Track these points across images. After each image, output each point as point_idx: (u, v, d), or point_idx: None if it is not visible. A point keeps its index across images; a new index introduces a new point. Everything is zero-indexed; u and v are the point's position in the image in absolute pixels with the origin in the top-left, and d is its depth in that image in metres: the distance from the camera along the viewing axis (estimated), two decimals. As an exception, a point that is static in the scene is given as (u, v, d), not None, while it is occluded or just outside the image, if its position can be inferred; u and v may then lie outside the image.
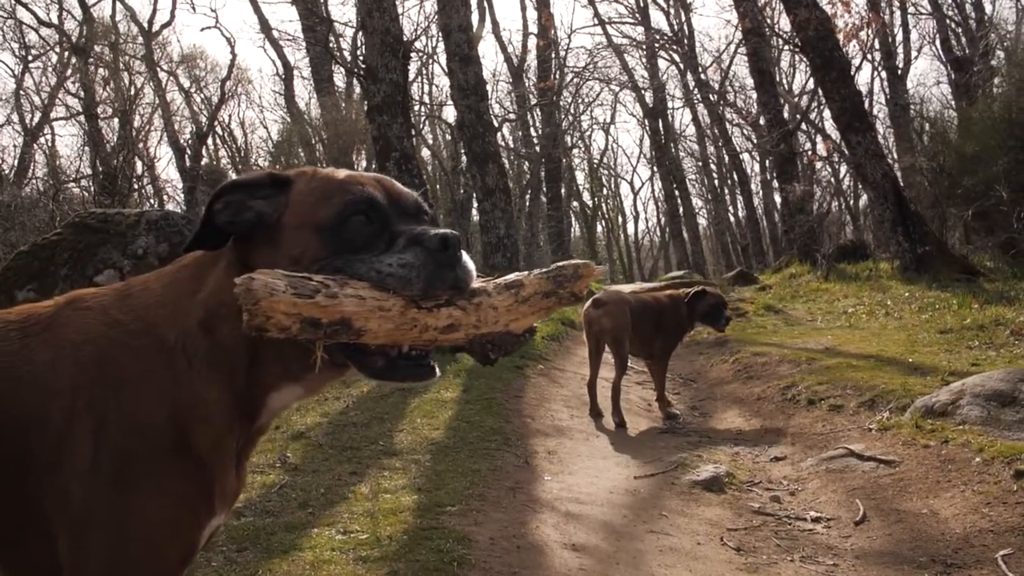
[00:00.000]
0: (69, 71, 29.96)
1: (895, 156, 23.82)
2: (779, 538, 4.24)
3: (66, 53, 30.23)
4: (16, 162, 27.71)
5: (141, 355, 1.58)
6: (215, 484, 1.61)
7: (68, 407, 1.53)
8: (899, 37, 29.20)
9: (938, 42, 28.81)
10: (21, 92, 30.60)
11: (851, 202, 35.02)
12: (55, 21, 30.83)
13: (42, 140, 30.85)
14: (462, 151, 21.66)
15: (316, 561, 3.51)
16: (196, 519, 1.58)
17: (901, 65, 28.76)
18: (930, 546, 3.84)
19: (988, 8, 27.91)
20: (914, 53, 33.00)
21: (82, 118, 28.67)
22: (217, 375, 1.61)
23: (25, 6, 30.33)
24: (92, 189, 23.48)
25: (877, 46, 27.27)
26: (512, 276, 1.66)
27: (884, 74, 29.59)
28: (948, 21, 27.43)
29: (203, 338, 1.61)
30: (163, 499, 1.53)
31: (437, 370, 1.61)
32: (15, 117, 30.53)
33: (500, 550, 3.74)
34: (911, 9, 29.49)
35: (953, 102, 25.94)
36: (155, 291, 1.67)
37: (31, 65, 31.03)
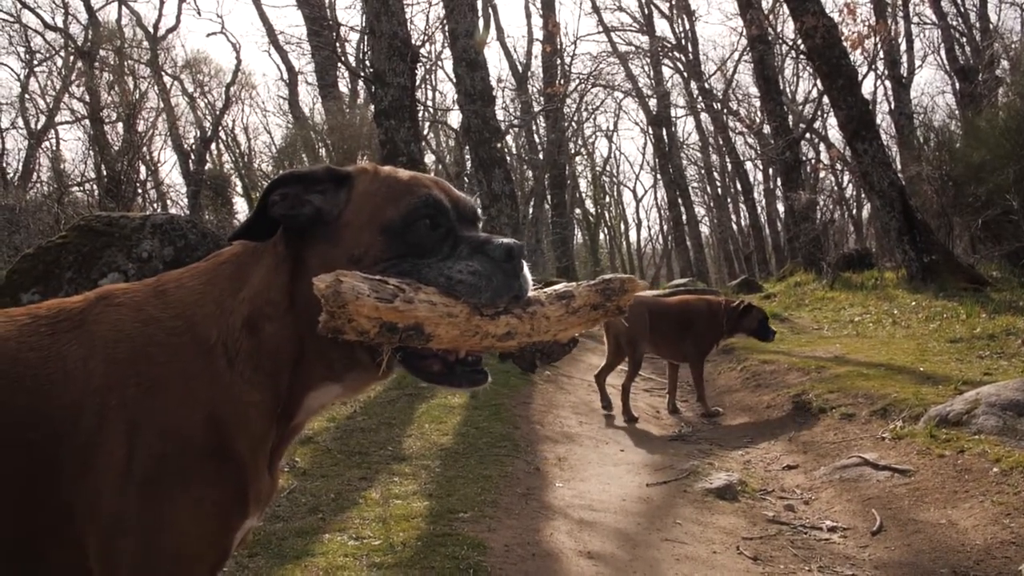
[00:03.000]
0: (74, 75, 30.02)
1: (899, 165, 23.79)
2: (796, 547, 4.18)
3: (71, 57, 30.29)
4: (21, 166, 27.83)
5: (179, 354, 1.53)
6: (250, 487, 1.56)
7: (101, 406, 1.48)
8: (903, 46, 29.19)
9: (943, 51, 28.85)
10: (26, 96, 30.69)
11: (854, 211, 35.02)
12: (60, 25, 30.95)
13: (47, 144, 30.95)
14: (467, 156, 21.65)
15: (329, 567, 3.46)
16: (229, 525, 1.53)
17: (905, 74, 28.73)
18: (950, 557, 3.79)
19: (993, 17, 27.80)
20: (918, 63, 32.97)
21: (87, 122, 28.70)
22: (260, 376, 1.56)
23: (31, 10, 30.52)
24: (96, 193, 23.49)
25: (881, 55, 27.27)
26: (561, 286, 1.67)
27: (888, 83, 29.57)
28: (953, 31, 27.43)
29: (247, 338, 1.56)
30: (198, 506, 1.48)
31: (487, 376, 1.60)
32: (20, 121, 30.61)
33: (516, 557, 3.69)
34: (915, 19, 29.54)
35: (958, 111, 25.93)
36: (193, 288, 1.62)
37: (36, 69, 31.14)
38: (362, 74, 15.33)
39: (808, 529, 4.48)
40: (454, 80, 14.39)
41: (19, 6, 29.46)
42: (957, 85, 26.75)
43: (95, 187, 24.40)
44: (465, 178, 24.82)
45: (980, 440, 4.96)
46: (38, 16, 39.21)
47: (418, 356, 1.53)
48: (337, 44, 19.71)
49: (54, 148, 31.38)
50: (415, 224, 1.55)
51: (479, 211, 1.71)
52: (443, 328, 1.44)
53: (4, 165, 28.55)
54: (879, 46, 23.61)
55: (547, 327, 1.58)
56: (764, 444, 6.46)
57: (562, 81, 28.87)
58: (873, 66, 28.75)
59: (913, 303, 11.92)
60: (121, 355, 1.52)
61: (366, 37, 15.85)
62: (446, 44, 19.61)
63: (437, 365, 1.55)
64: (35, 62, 30.83)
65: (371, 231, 1.55)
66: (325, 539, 3.80)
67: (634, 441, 6.64)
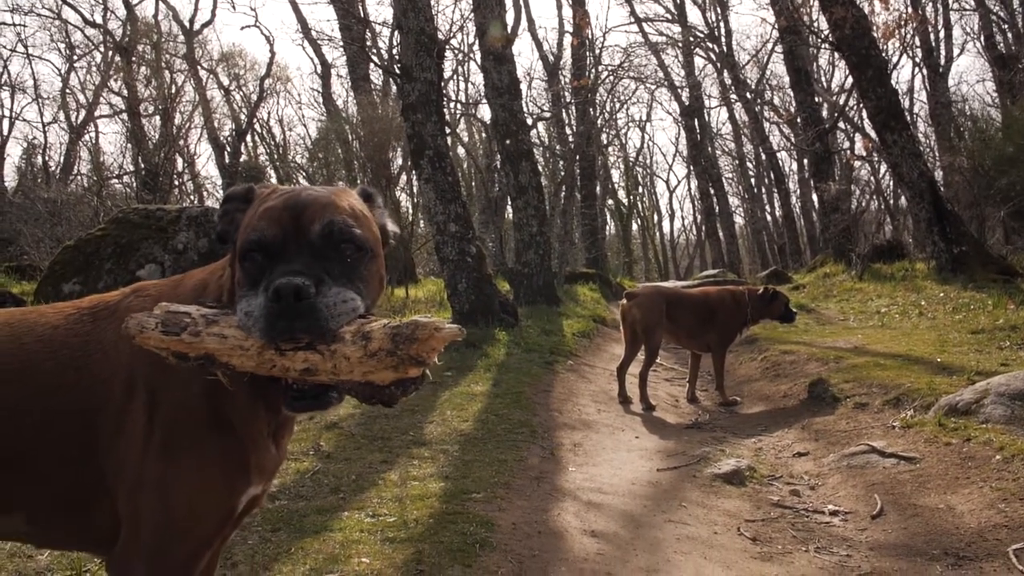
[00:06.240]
0: (113, 70, 30.71)
1: (936, 155, 23.50)
2: (795, 530, 4.33)
3: (110, 52, 31.01)
4: (62, 159, 28.57)
5: None
6: (250, 456, 1.78)
7: (128, 380, 1.75)
8: (941, 34, 28.70)
9: (982, 38, 28.27)
10: (67, 91, 31.49)
11: (890, 201, 34.56)
12: (100, 21, 31.68)
13: (87, 137, 31.80)
14: (496, 149, 21.79)
15: (346, 541, 3.68)
16: (232, 487, 1.77)
17: (943, 62, 28.26)
18: (944, 539, 3.91)
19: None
20: (957, 50, 32.33)
21: (125, 116, 29.40)
22: None
23: (72, 7, 31.27)
24: (134, 185, 24.05)
25: (918, 43, 26.86)
26: (374, 325, 1.57)
27: (925, 71, 29.10)
28: (993, 17, 26.91)
29: None
30: (203, 467, 1.72)
31: (327, 401, 1.64)
32: (61, 115, 31.42)
33: (521, 534, 3.88)
34: (954, 5, 28.99)
35: (998, 99, 25.49)
36: (198, 278, 1.89)
37: (76, 64, 31.97)
38: (390, 69, 15.53)
39: (810, 513, 4.61)
40: (482, 73, 14.53)
41: (60, 3, 30.29)
42: (997, 73, 26.26)
43: (133, 180, 24.99)
44: (494, 170, 24.98)
45: (986, 429, 5.04)
46: (78, 12, 40.11)
47: (274, 378, 1.64)
48: (367, 39, 19.93)
49: (94, 142, 32.25)
50: (248, 257, 1.65)
51: (346, 234, 1.66)
52: (237, 359, 1.55)
53: (47, 159, 29.34)
54: (914, 35, 23.31)
55: (349, 368, 1.53)
56: (778, 432, 6.58)
57: (592, 71, 28.80)
58: (909, 53, 28.32)
59: (941, 294, 11.89)
60: None
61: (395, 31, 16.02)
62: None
63: (279, 387, 1.67)
64: (75, 57, 31.67)
65: (237, 259, 1.71)
66: (344, 516, 4.02)
67: (649, 428, 6.79)
